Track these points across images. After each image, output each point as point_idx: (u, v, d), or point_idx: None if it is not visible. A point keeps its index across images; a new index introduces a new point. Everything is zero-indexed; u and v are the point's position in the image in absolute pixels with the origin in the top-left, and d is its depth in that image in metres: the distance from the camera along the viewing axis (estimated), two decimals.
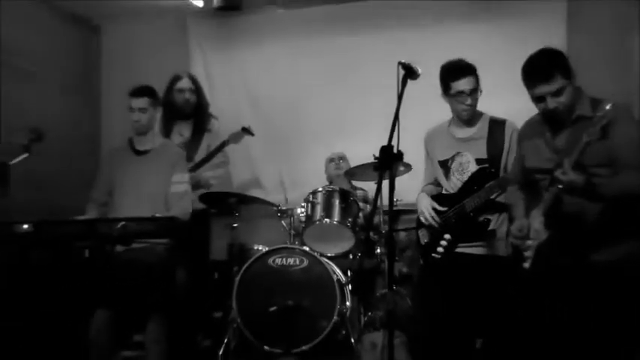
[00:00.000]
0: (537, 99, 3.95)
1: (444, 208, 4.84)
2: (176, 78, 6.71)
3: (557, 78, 3.84)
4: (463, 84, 4.76)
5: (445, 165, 4.95)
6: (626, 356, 3.82)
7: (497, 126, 4.87)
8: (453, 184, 4.89)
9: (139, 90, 5.47)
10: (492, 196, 4.69)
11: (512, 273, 4.30)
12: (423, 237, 4.97)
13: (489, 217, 4.72)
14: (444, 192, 4.97)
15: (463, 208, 4.73)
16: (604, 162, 3.81)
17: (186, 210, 5.35)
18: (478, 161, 4.80)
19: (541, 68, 3.89)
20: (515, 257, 4.21)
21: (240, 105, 8.76)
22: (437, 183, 5.08)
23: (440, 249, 4.81)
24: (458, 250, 4.78)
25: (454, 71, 4.73)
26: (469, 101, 4.79)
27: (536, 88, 3.90)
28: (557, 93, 3.86)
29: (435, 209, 4.86)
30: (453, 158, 4.91)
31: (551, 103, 3.88)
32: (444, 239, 4.80)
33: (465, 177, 4.80)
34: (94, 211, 5.41)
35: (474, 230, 4.73)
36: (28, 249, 4.86)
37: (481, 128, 4.89)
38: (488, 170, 4.73)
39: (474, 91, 4.80)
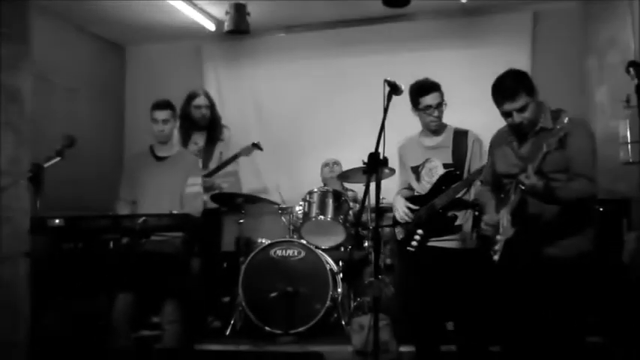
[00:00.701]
0: (505, 114, 3.95)
1: (416, 207, 4.85)
2: (193, 95, 6.68)
3: (521, 96, 3.84)
4: (430, 99, 4.78)
5: (416, 170, 4.96)
6: (572, 333, 3.87)
7: (460, 136, 4.89)
8: (423, 187, 4.90)
9: (161, 103, 5.46)
10: (458, 195, 4.71)
11: (479, 263, 4.32)
12: (399, 233, 4.97)
13: (457, 213, 4.73)
14: (415, 194, 4.98)
15: (433, 206, 4.74)
16: (561, 169, 3.82)
17: (197, 208, 5.35)
18: (445, 166, 4.82)
19: (507, 88, 3.89)
20: (484, 250, 4.22)
21: (248, 118, 8.79)
22: (410, 187, 5.08)
23: (414, 243, 4.82)
24: (430, 243, 4.79)
25: (422, 88, 4.75)
26: (436, 113, 4.81)
27: (504, 105, 3.90)
28: (521, 109, 3.86)
29: (408, 208, 4.87)
30: (423, 164, 4.92)
31: (517, 118, 3.89)
32: (417, 234, 4.81)
33: (434, 180, 4.81)
34: (125, 208, 5.39)
35: (443, 225, 4.75)
36: (60, 240, 4.85)
37: (447, 138, 4.90)
38: (454, 173, 4.75)
39: (440, 105, 4.82)
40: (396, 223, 5.00)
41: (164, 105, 5.46)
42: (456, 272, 4.68)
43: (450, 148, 4.86)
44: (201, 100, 6.65)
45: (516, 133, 4.04)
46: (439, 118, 4.85)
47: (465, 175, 4.77)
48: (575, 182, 3.80)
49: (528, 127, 3.95)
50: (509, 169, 4.05)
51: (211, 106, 6.75)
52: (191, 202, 5.33)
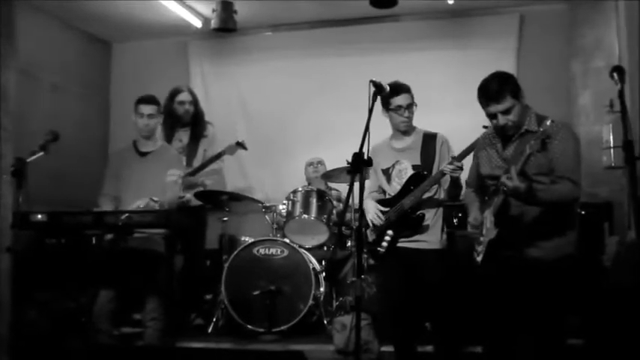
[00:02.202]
0: (490, 116, 3.97)
1: (387, 209, 4.86)
2: (177, 91, 6.63)
3: (506, 99, 3.86)
4: (401, 99, 4.80)
5: (387, 172, 4.97)
6: (553, 335, 3.89)
7: (429, 138, 4.91)
8: (393, 188, 4.91)
9: (147, 98, 5.44)
10: (426, 195, 4.73)
11: (448, 263, 4.34)
12: (370, 235, 4.98)
13: (425, 212, 4.75)
14: (386, 196, 4.99)
15: (402, 207, 4.76)
16: (544, 171, 3.84)
17: (175, 195, 5.33)
18: (414, 167, 4.84)
19: (493, 90, 3.91)
20: (453, 250, 4.26)
21: (234, 116, 8.79)
22: (380, 190, 5.10)
23: (384, 244, 4.84)
24: (400, 244, 4.80)
25: (393, 89, 4.73)
26: (406, 114, 4.82)
27: (489, 107, 3.92)
28: (506, 112, 3.88)
29: (380, 210, 4.88)
30: (393, 166, 4.94)
31: (502, 120, 3.91)
32: (387, 234, 4.83)
33: (403, 181, 4.83)
34: (109, 203, 5.36)
35: (411, 225, 4.76)
36: (43, 236, 4.83)
37: (416, 140, 4.92)
38: (422, 173, 4.77)
39: (410, 106, 4.84)
40: (367, 225, 5.00)
41: (149, 100, 5.45)
42: (423, 272, 4.71)
43: (419, 150, 4.88)
44: (184, 96, 6.61)
45: (501, 135, 4.06)
46: (409, 118, 4.87)
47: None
48: (558, 185, 3.81)
49: (512, 130, 3.96)
50: (493, 171, 4.07)
51: (195, 101, 6.70)
52: (170, 188, 5.31)
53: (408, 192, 4.77)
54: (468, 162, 4.49)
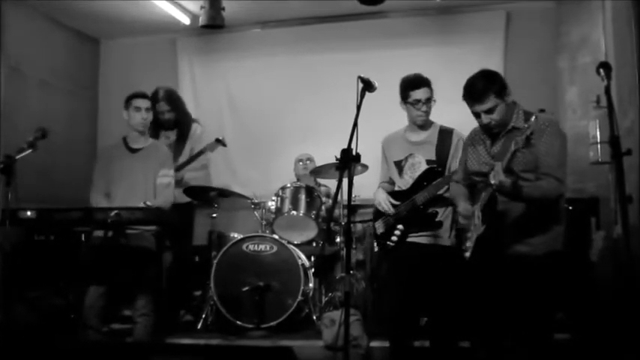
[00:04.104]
0: (474, 114, 4.00)
1: (397, 202, 4.86)
2: (155, 99, 6.38)
3: (490, 98, 3.88)
4: (420, 93, 4.80)
5: (399, 165, 4.96)
6: (540, 330, 3.92)
7: (445, 133, 4.91)
8: (405, 181, 4.91)
9: (141, 93, 5.46)
10: (440, 192, 4.73)
11: (454, 260, 4.34)
12: (379, 228, 4.98)
13: (437, 209, 4.75)
14: (396, 189, 4.98)
15: (414, 202, 4.76)
16: (531, 168, 3.86)
17: (169, 198, 5.34)
18: (428, 162, 4.83)
19: (476, 89, 3.93)
20: (458, 248, 4.26)
21: (222, 113, 8.78)
22: (391, 182, 5.09)
23: (394, 237, 4.83)
24: (409, 239, 4.80)
25: (413, 82, 4.76)
26: (424, 108, 4.83)
27: (473, 107, 3.96)
28: (489, 111, 3.91)
29: (391, 203, 4.88)
30: (406, 159, 4.93)
31: (485, 119, 3.94)
32: (398, 229, 4.82)
33: (416, 175, 4.82)
34: (102, 200, 5.34)
35: (423, 221, 4.76)
36: (32, 232, 4.83)
37: (432, 134, 4.91)
38: (436, 169, 4.77)
39: (429, 100, 4.84)
40: (376, 217, 5.00)
41: (144, 94, 5.48)
42: (432, 268, 4.70)
43: (435, 144, 4.88)
44: (161, 107, 6.48)
45: (488, 132, 4.08)
46: (427, 113, 4.88)
47: (447, 172, 4.79)
48: (542, 181, 3.84)
49: (497, 128, 3.99)
50: (480, 167, 4.09)
51: (174, 107, 6.61)
52: (162, 191, 5.33)
53: (421, 187, 4.76)
54: None
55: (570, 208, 5.62)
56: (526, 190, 3.77)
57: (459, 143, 4.85)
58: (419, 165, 4.88)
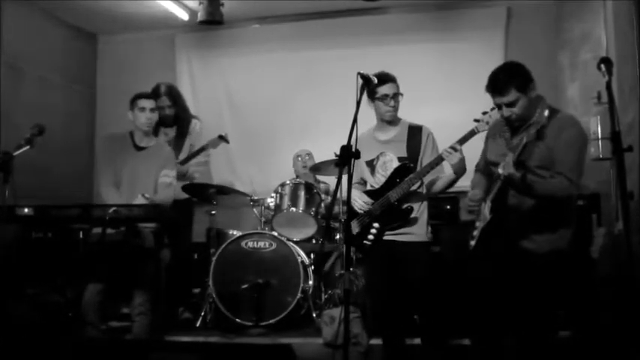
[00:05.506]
0: (497, 105, 4.02)
1: (371, 201, 4.86)
2: (156, 94, 6.38)
3: (511, 92, 3.89)
4: (387, 88, 4.80)
5: (371, 164, 4.96)
6: (542, 326, 3.95)
7: (415, 130, 4.91)
8: (377, 180, 4.91)
9: (145, 93, 5.52)
10: (413, 188, 4.73)
11: (433, 256, 4.33)
12: (354, 228, 4.97)
13: (412, 205, 4.75)
14: (369, 188, 4.98)
15: (388, 199, 4.76)
16: (546, 164, 3.88)
17: (168, 197, 5.34)
18: (399, 159, 4.83)
19: (498, 82, 3.95)
20: (456, 245, 4.27)
21: (221, 109, 8.78)
22: (362, 182, 5.09)
23: (370, 236, 4.83)
24: (386, 237, 4.80)
25: (380, 78, 4.74)
26: (392, 103, 4.83)
27: (495, 99, 3.99)
28: (510, 104, 3.92)
29: (364, 202, 4.88)
30: (377, 158, 4.93)
31: (506, 112, 3.96)
32: (374, 227, 4.82)
33: (388, 173, 4.82)
34: (114, 191, 5.34)
35: (398, 217, 4.76)
36: (30, 229, 4.82)
37: (401, 132, 4.91)
38: (408, 165, 4.77)
39: (396, 95, 4.84)
40: (351, 216, 4.98)
41: (148, 95, 5.54)
42: (413, 265, 4.71)
43: (405, 142, 4.88)
44: (162, 102, 6.42)
45: (510, 124, 4.09)
46: (395, 108, 4.87)
47: (419, 168, 4.79)
48: (554, 180, 3.85)
49: (517, 121, 4.01)
50: (497, 159, 4.09)
51: (174, 103, 6.62)
52: (163, 190, 5.34)
53: (394, 184, 4.76)
54: (466, 148, 4.46)
55: None
56: (535, 186, 3.79)
57: (428, 139, 4.88)
58: (390, 163, 4.87)
